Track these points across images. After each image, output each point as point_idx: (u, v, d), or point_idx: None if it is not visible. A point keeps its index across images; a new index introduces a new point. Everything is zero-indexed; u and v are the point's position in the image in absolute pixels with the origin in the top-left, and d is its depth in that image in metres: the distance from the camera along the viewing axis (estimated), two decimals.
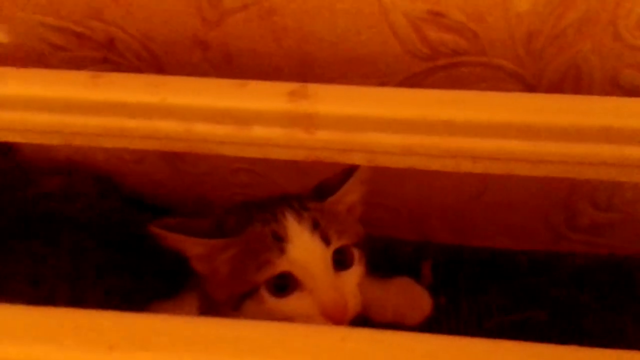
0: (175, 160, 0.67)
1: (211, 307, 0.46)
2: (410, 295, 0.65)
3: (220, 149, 0.41)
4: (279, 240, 0.41)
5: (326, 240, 0.42)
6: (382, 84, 0.51)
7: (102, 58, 0.53)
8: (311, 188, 0.50)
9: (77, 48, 0.52)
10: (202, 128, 0.38)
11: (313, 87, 0.36)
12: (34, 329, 0.28)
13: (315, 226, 0.43)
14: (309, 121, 0.37)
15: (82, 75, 0.37)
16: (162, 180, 0.71)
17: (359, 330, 0.28)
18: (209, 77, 0.53)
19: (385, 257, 0.75)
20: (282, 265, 0.41)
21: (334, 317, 0.41)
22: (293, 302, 0.41)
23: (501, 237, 0.72)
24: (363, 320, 0.56)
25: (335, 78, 0.51)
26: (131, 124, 0.39)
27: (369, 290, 0.60)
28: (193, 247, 0.43)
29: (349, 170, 0.46)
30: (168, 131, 0.39)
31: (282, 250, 0.41)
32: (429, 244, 0.74)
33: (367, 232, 0.75)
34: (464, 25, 0.44)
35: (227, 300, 0.44)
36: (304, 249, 0.41)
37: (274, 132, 0.38)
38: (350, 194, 0.48)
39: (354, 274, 0.45)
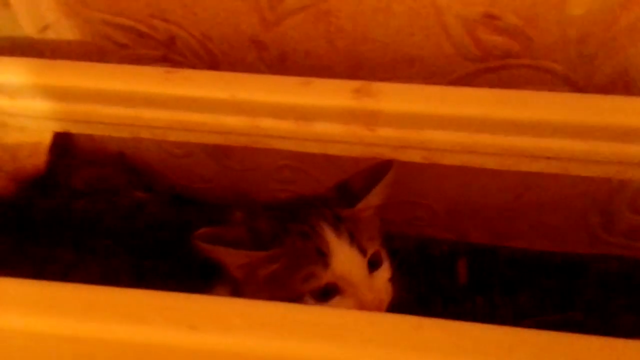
0: (221, 157, 0.70)
1: None
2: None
3: (281, 143, 0.43)
4: (322, 255, 0.44)
5: (363, 252, 0.45)
6: (435, 83, 0.52)
7: (162, 56, 0.55)
8: (334, 187, 0.50)
9: (139, 46, 0.54)
10: (266, 123, 0.40)
11: (377, 85, 0.38)
12: (119, 309, 0.30)
13: (352, 239, 0.45)
14: (372, 118, 0.38)
15: (156, 71, 0.39)
16: (207, 175, 0.73)
17: (432, 320, 0.29)
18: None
19: (420, 255, 0.76)
20: (327, 278, 0.44)
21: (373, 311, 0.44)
22: (335, 305, 0.44)
23: (537, 238, 0.72)
24: None
25: (385, 78, 0.52)
26: (200, 118, 0.41)
27: None
28: (234, 258, 0.45)
29: (373, 173, 0.46)
30: (234, 126, 0.41)
31: (325, 265, 0.44)
32: (464, 243, 0.75)
33: (403, 230, 0.76)
34: (518, 28, 0.45)
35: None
36: (346, 262, 0.44)
37: (335, 129, 0.40)
38: (376, 198, 0.49)
39: (385, 271, 0.48)
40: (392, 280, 0.49)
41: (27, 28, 0.54)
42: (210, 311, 0.30)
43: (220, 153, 0.70)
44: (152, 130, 0.42)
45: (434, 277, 0.73)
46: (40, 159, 0.60)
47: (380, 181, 0.46)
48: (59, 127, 0.45)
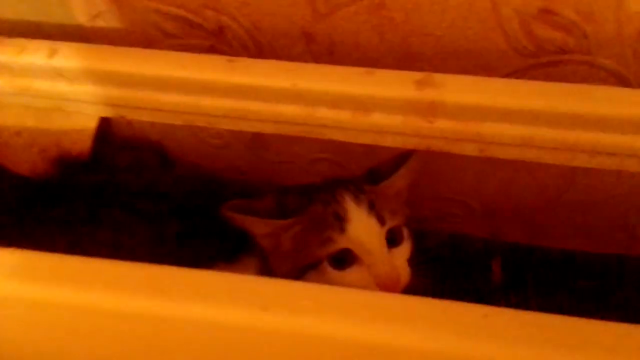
0: (258, 148, 0.70)
1: (271, 274, 0.50)
2: None
3: (334, 133, 0.43)
4: (340, 220, 0.45)
5: (381, 220, 0.46)
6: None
7: (209, 46, 0.55)
8: (364, 172, 0.52)
9: (188, 36, 0.54)
10: (323, 113, 0.40)
11: (439, 77, 0.38)
12: (193, 290, 0.30)
13: (371, 207, 0.46)
14: (432, 110, 0.38)
15: (218, 59, 0.39)
16: (243, 166, 0.73)
17: (500, 309, 0.29)
18: None
19: (454, 252, 0.76)
20: (342, 243, 0.44)
21: (388, 288, 0.45)
22: (352, 275, 0.45)
23: (575, 238, 0.72)
24: None
25: (437, 71, 0.51)
26: (257, 106, 0.41)
27: None
28: (260, 227, 0.47)
29: (400, 158, 0.48)
30: (291, 115, 0.41)
31: (342, 229, 0.45)
32: (499, 241, 0.75)
33: (439, 226, 0.76)
34: (575, 23, 0.45)
35: (289, 271, 0.47)
36: (362, 228, 0.45)
37: (393, 120, 0.40)
38: (401, 180, 0.50)
39: (404, 250, 0.49)
40: (413, 264, 0.49)
41: (79, 16, 0.55)
42: (282, 294, 0.30)
43: (257, 144, 0.71)
44: (207, 117, 0.42)
45: (468, 276, 0.73)
46: (85, 145, 0.60)
47: (404, 165, 0.47)
48: (113, 113, 0.45)
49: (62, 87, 0.43)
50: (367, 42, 0.52)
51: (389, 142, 0.41)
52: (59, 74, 0.41)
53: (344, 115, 0.39)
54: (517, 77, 0.51)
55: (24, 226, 0.57)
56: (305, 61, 0.55)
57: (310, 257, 0.45)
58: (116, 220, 0.60)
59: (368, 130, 0.41)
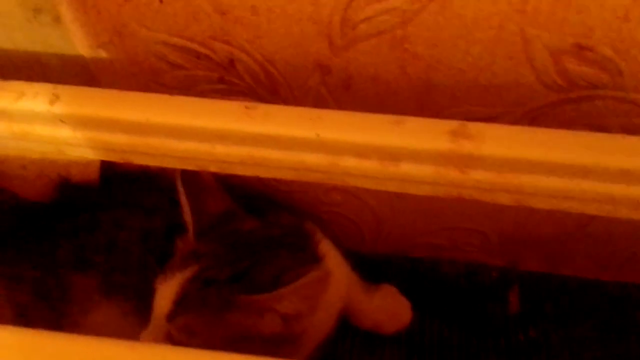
0: (269, 178, 0.67)
1: None
2: (392, 304, 0.67)
3: (359, 182, 0.40)
4: None
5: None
6: (507, 113, 0.49)
7: (218, 78, 0.52)
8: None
9: (195, 67, 0.52)
10: (348, 162, 0.38)
11: (475, 127, 0.35)
12: None
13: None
14: (467, 161, 0.36)
15: (234, 106, 0.37)
16: (254, 194, 0.70)
17: None
18: (324, 101, 0.53)
19: (468, 282, 0.74)
20: None
21: None
22: None
23: (596, 267, 0.69)
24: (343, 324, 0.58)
25: (457, 105, 0.50)
26: (276, 155, 0.38)
27: (353, 296, 0.62)
28: None
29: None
30: (313, 164, 0.38)
31: None
32: (516, 270, 0.72)
33: (453, 255, 0.73)
34: (610, 60, 0.42)
35: None
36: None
37: (424, 170, 0.37)
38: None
39: None
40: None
41: (79, 46, 0.52)
42: None
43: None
44: (221, 164, 0.39)
45: (484, 306, 0.71)
46: (92, 176, 0.58)
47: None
48: (119, 158, 0.42)
49: (64, 133, 0.40)
50: (386, 76, 0.49)
51: (418, 190, 0.39)
52: (61, 120, 0.38)
53: (370, 165, 0.37)
54: (544, 112, 0.49)
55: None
56: (320, 94, 0.53)
57: None
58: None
59: (395, 179, 0.38)
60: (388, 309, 0.67)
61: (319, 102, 0.53)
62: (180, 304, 0.45)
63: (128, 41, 0.51)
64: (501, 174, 0.35)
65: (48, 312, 0.53)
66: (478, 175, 0.36)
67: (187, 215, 0.48)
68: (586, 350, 0.65)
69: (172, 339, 0.46)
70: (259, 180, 0.69)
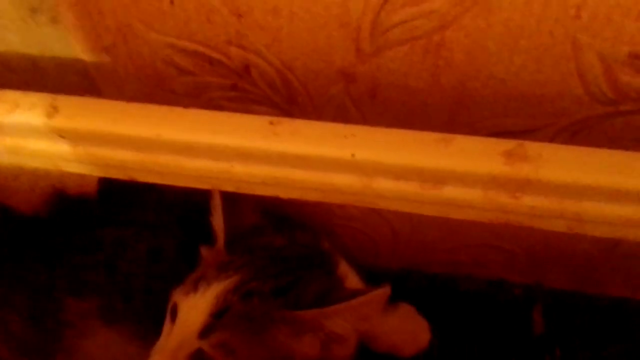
0: None
1: None
2: (410, 325, 0.63)
3: (394, 205, 0.36)
4: None
5: None
6: (546, 126, 0.45)
7: (231, 85, 0.48)
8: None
9: (206, 73, 0.47)
10: (384, 185, 0.33)
11: (532, 147, 0.31)
12: None
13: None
14: (522, 186, 0.31)
15: (258, 121, 0.32)
16: (264, 204, 0.66)
17: None
18: (347, 111, 0.49)
19: (490, 300, 0.70)
20: None
21: None
22: None
23: (623, 286, 0.66)
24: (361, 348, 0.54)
25: (492, 117, 0.45)
26: (302, 175, 0.34)
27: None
28: None
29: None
30: (343, 185, 0.34)
31: None
32: (541, 288, 0.68)
33: (475, 272, 0.69)
34: None
35: None
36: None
37: (471, 194, 0.33)
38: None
39: None
40: None
41: (79, 49, 0.47)
42: None
43: None
44: (239, 184, 0.35)
45: (506, 326, 0.67)
46: (89, 188, 0.53)
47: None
48: (124, 175, 0.38)
49: (63, 148, 0.35)
50: (416, 85, 0.45)
51: (460, 215, 0.35)
52: (60, 135, 0.34)
53: (409, 188, 0.33)
54: (588, 125, 0.45)
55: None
56: (343, 103, 0.48)
57: None
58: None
59: (435, 203, 0.34)
60: (406, 330, 0.63)
61: (340, 112, 0.48)
62: (218, 317, 0.40)
63: (133, 44, 0.47)
64: (558, 200, 0.31)
65: (42, 339, 0.49)
66: (531, 201, 0.32)
67: (219, 225, 0.44)
68: None
69: (202, 358, 0.42)
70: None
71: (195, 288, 0.41)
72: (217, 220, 0.43)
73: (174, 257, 0.48)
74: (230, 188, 0.36)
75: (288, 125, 0.32)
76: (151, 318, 0.48)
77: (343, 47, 0.43)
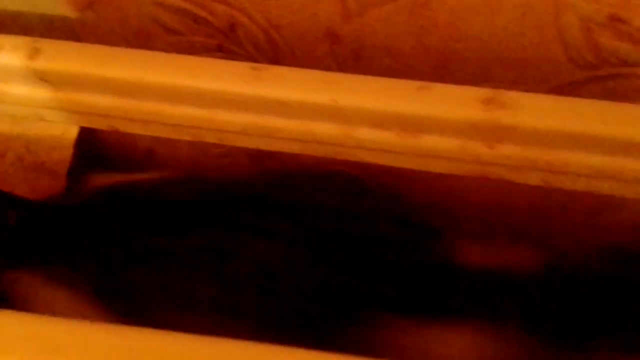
0: (263, 158, 0.63)
1: None
2: None
3: (373, 156, 0.36)
4: None
5: None
6: (529, 91, 0.46)
7: (216, 45, 0.48)
8: None
9: (192, 33, 0.47)
10: (363, 134, 0.34)
11: (510, 95, 0.32)
12: None
13: None
14: (498, 134, 0.32)
15: (239, 67, 0.33)
16: (244, 177, 0.66)
17: None
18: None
19: None
20: None
21: None
22: None
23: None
24: None
25: (475, 82, 0.46)
26: (283, 124, 0.34)
27: None
28: None
29: None
30: (325, 135, 0.34)
31: None
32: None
33: None
34: None
35: None
36: None
37: (446, 143, 0.33)
38: None
39: None
40: None
41: (65, 6, 0.47)
42: None
43: (262, 154, 0.64)
44: (220, 134, 0.35)
45: None
46: (64, 153, 0.53)
47: None
48: (105, 125, 0.38)
49: (44, 93, 0.35)
50: (401, 47, 0.45)
51: (438, 167, 0.35)
52: (41, 78, 0.34)
53: (387, 137, 0.33)
54: (567, 92, 0.46)
55: None
56: (328, 65, 0.49)
57: None
58: None
59: (412, 154, 0.34)
60: None
61: None
62: None
63: (119, 1, 0.47)
64: (532, 149, 0.32)
65: None
66: (506, 151, 0.33)
67: None
68: None
69: None
70: (255, 162, 0.65)
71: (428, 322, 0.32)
72: None
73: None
74: (211, 139, 0.37)
75: (271, 70, 0.32)
76: None
77: (330, 6, 0.43)
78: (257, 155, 0.63)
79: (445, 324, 0.34)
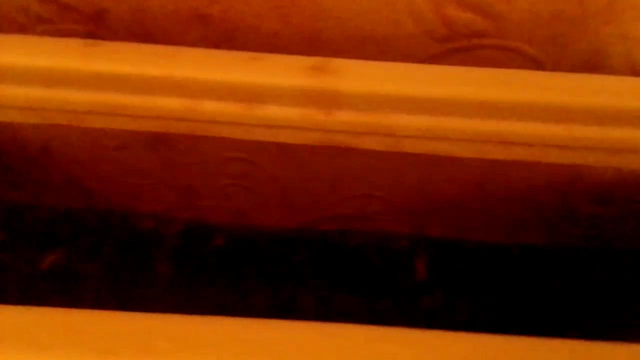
0: (161, 148, 0.63)
1: None
2: None
3: (227, 130, 0.38)
4: None
5: None
6: None
7: (89, 32, 0.48)
8: None
9: (61, 20, 0.47)
10: (208, 106, 0.35)
11: (336, 62, 0.33)
12: None
13: None
14: (329, 100, 0.34)
15: (72, 43, 0.33)
16: (145, 169, 0.66)
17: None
18: None
19: (378, 252, 0.73)
20: None
21: None
22: None
23: (498, 231, 0.70)
24: None
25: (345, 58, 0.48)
26: (128, 100, 0.35)
27: None
28: None
29: None
30: (170, 109, 0.35)
31: None
32: (424, 238, 0.72)
33: (365, 226, 0.72)
34: (490, 4, 0.42)
35: None
36: None
37: (288, 112, 0.35)
38: None
39: None
40: None
41: None
42: None
43: (160, 144, 0.64)
44: (69, 115, 0.36)
45: (391, 276, 0.70)
46: None
47: None
48: None
49: None
50: (271, 26, 0.46)
51: (289, 138, 0.36)
52: None
53: (233, 109, 0.34)
54: (432, 64, 0.48)
55: None
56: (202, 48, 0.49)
57: None
58: None
59: (262, 125, 0.35)
60: None
61: None
62: None
63: None
64: (367, 114, 0.34)
65: None
66: (343, 117, 0.34)
67: None
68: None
69: None
70: (154, 153, 0.65)
71: None
72: None
73: None
74: (62, 120, 0.37)
75: (104, 46, 0.33)
76: None
77: None
78: (153, 144, 0.63)
79: None
